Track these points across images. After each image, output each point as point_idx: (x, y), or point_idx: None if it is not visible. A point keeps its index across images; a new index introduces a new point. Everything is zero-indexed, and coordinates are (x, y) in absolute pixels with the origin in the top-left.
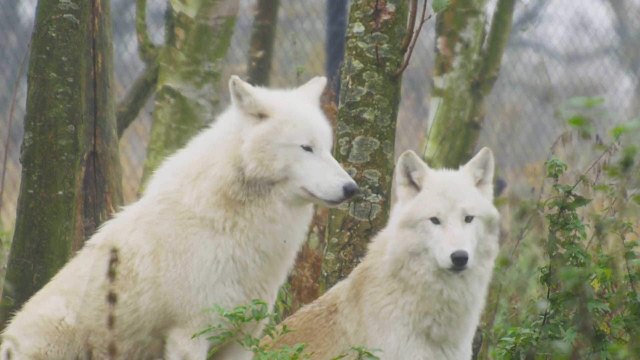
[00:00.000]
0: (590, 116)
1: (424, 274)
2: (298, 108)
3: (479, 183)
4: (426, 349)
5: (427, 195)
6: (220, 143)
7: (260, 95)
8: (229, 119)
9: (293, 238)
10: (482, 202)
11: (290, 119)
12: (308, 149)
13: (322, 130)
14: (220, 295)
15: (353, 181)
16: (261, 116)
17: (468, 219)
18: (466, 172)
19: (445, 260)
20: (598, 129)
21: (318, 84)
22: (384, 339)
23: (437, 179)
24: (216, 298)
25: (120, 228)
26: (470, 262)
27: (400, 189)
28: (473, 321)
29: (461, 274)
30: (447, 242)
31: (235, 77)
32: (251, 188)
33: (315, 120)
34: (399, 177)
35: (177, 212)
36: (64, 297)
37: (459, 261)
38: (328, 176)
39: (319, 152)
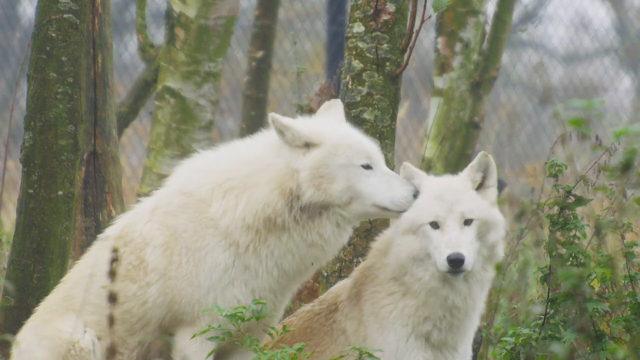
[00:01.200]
0: (589, 117)
1: (429, 281)
2: (345, 131)
3: (480, 187)
4: (426, 351)
5: (424, 200)
6: (268, 169)
7: (301, 126)
8: (275, 144)
9: (322, 261)
10: (481, 205)
11: (343, 141)
12: (368, 167)
13: (374, 147)
14: (229, 297)
15: (414, 185)
16: (308, 146)
17: (467, 222)
18: (464, 177)
19: (442, 264)
20: (598, 129)
21: (336, 106)
22: (383, 338)
23: (434, 184)
24: (225, 300)
25: (136, 220)
26: (469, 264)
27: None
28: (472, 325)
29: (464, 278)
30: (444, 245)
31: (273, 115)
32: (304, 213)
33: (365, 139)
34: None
35: (199, 210)
36: (79, 315)
37: (455, 263)
38: (396, 188)
39: (377, 167)
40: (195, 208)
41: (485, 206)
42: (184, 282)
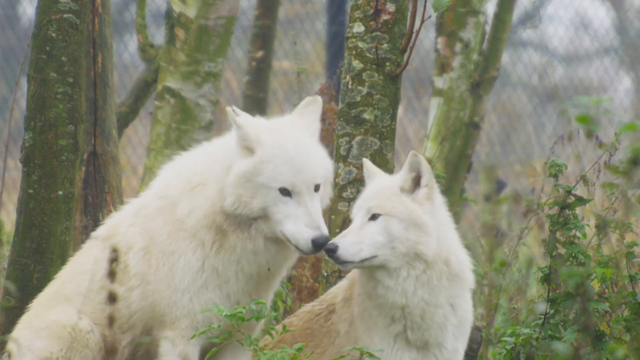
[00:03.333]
0: (597, 115)
1: (367, 281)
2: (282, 146)
3: (415, 187)
4: (411, 351)
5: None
6: (218, 164)
7: (250, 128)
8: (230, 139)
9: (279, 265)
10: (395, 202)
11: (271, 159)
12: (287, 192)
13: (304, 172)
14: (204, 299)
15: (324, 232)
16: (249, 150)
17: (373, 217)
18: (397, 177)
19: None
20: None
21: (315, 105)
22: (370, 340)
23: (370, 184)
24: (200, 302)
25: (121, 222)
26: (347, 254)
27: None
28: (447, 321)
29: (387, 274)
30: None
31: (229, 108)
32: (232, 220)
33: (299, 161)
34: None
35: (172, 213)
36: (72, 304)
37: (327, 252)
38: (300, 226)
39: (298, 197)
40: (169, 211)
41: (404, 204)
42: (162, 285)
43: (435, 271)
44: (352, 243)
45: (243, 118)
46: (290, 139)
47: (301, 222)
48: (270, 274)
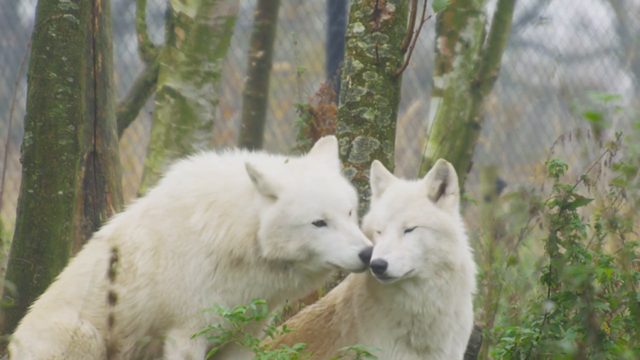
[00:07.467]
0: (606, 111)
1: (384, 286)
2: (303, 183)
3: (441, 195)
4: (411, 354)
5: (378, 207)
6: (246, 211)
7: (271, 176)
8: (252, 185)
9: (299, 296)
10: (428, 212)
11: (295, 198)
12: (321, 223)
13: (332, 200)
14: (214, 301)
15: (369, 244)
16: (272, 197)
17: (409, 229)
18: (422, 184)
19: (371, 270)
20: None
21: (330, 143)
22: (371, 341)
23: (392, 190)
24: (209, 303)
25: (128, 222)
26: (395, 270)
27: (372, 199)
28: (451, 328)
29: (414, 283)
30: (375, 251)
31: (247, 162)
32: (268, 265)
33: (323, 192)
34: (372, 187)
35: (183, 215)
36: (74, 307)
37: (375, 269)
38: (344, 247)
39: (333, 223)
40: (180, 213)
41: (435, 214)
42: (171, 285)
43: (455, 279)
44: (397, 258)
45: (262, 168)
46: (309, 175)
47: (344, 243)
48: (279, 302)
